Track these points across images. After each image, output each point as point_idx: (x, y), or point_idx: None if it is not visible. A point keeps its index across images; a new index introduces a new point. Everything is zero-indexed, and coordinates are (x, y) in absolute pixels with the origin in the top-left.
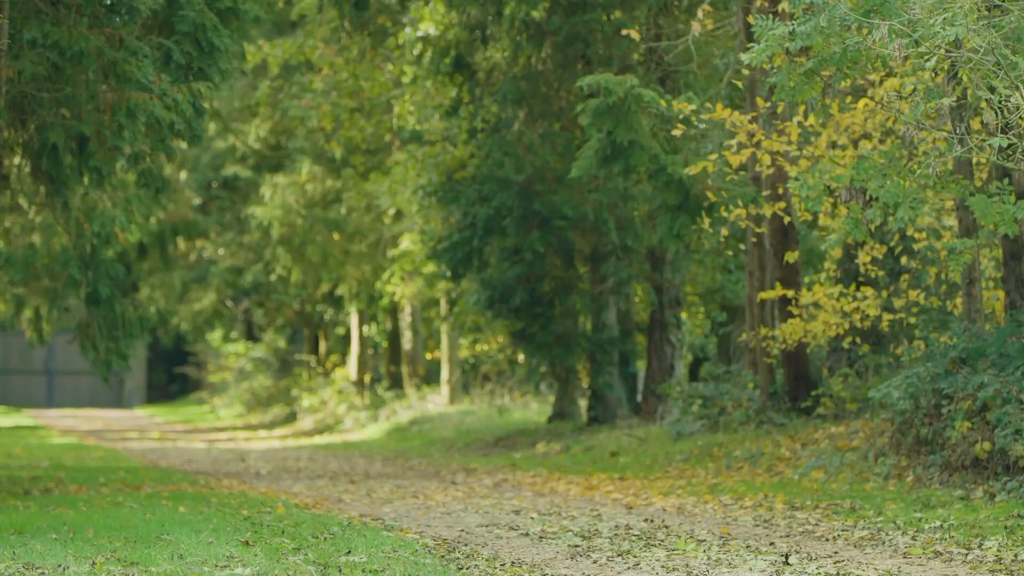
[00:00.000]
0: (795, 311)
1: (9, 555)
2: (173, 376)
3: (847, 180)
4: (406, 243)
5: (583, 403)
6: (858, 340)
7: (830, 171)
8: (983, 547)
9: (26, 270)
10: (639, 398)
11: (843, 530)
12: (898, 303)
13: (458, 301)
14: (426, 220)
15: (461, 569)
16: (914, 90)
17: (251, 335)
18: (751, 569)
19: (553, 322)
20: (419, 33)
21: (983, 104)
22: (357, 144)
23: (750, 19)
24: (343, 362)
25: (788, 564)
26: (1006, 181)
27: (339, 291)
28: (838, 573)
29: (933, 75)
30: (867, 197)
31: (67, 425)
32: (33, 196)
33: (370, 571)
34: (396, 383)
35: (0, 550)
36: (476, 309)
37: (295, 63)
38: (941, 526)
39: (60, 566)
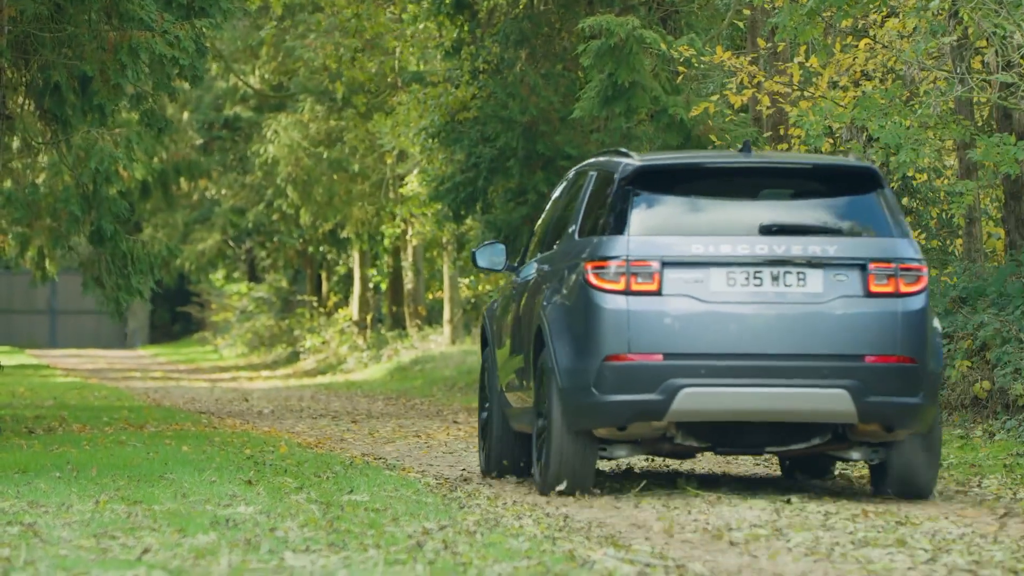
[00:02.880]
0: None
1: (13, 493)
2: (176, 316)
3: (848, 119)
4: (411, 184)
5: None
6: None
7: (831, 110)
8: (982, 486)
9: (29, 209)
10: None
11: (843, 470)
12: None
13: (466, 243)
14: (429, 161)
15: (463, 508)
16: (915, 29)
17: (253, 275)
18: (751, 508)
19: None
20: None
21: (984, 43)
22: (361, 84)
23: None
24: (345, 302)
25: (789, 503)
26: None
27: (343, 232)
28: (838, 511)
29: (935, 15)
30: (867, 137)
31: (70, 365)
32: (36, 135)
33: (372, 510)
34: (398, 323)
35: (4, 488)
36: None
37: (300, 2)
38: (941, 465)
39: (64, 504)
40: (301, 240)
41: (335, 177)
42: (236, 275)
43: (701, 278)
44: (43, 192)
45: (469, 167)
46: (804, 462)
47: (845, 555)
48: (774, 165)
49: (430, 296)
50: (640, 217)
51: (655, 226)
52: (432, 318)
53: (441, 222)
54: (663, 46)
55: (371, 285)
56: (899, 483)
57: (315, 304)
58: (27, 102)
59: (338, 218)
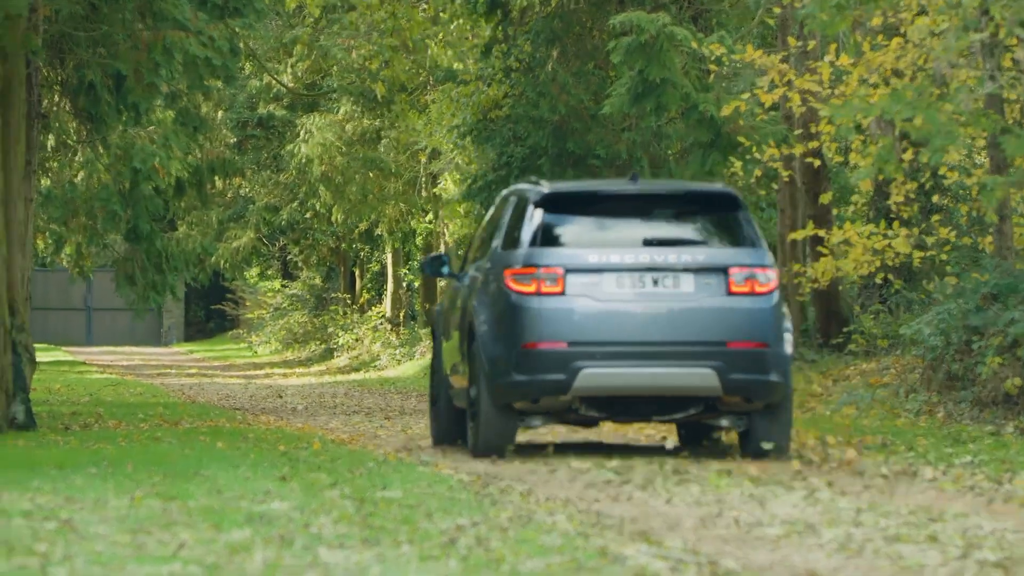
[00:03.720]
0: (825, 251)
1: (50, 488)
2: (210, 313)
3: (877, 111)
4: (444, 183)
5: None
6: (890, 277)
7: (861, 105)
8: (1013, 481)
9: (65, 207)
10: None
11: (874, 465)
12: (930, 240)
13: None
14: (464, 160)
15: (496, 504)
16: (946, 27)
17: (287, 273)
18: (783, 504)
19: None
20: None
21: (1015, 41)
22: (401, 83)
23: None
24: (378, 300)
25: (818, 499)
26: None
27: (376, 229)
28: (869, 508)
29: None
30: (899, 134)
31: (106, 362)
32: (71, 134)
33: (406, 506)
34: (431, 320)
35: (41, 484)
36: None
37: (334, 2)
38: (972, 461)
39: (100, 500)
40: (334, 238)
41: (369, 175)
42: (270, 272)
43: (596, 282)
44: (80, 190)
45: (501, 166)
46: (696, 430)
47: (877, 551)
48: (654, 192)
49: None
50: (547, 233)
51: (559, 240)
52: None
53: (474, 220)
54: (694, 44)
55: (404, 283)
56: (760, 445)
57: (348, 301)
58: (62, 101)
59: (372, 216)
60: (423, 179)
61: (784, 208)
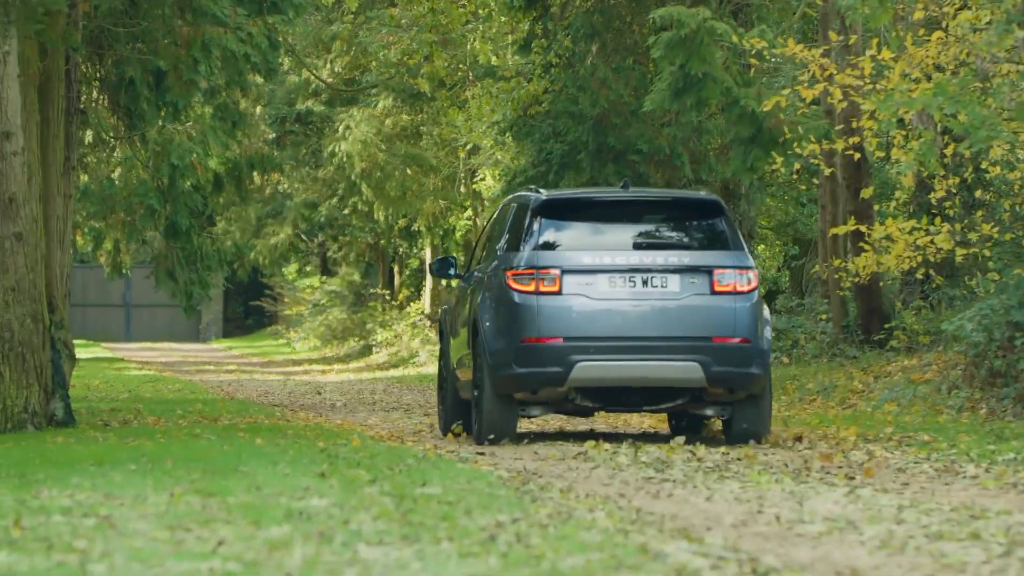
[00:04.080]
0: (866, 247)
1: (89, 485)
2: (249, 310)
3: (919, 105)
4: (484, 178)
5: None
6: (931, 273)
7: (903, 99)
8: None
9: (104, 203)
10: None
11: (916, 462)
12: (972, 236)
13: None
14: (504, 155)
15: (535, 501)
16: (989, 22)
17: (326, 269)
18: (824, 501)
19: None
20: None
21: None
22: (442, 79)
23: None
24: (417, 296)
25: (859, 496)
26: None
27: (415, 225)
28: (911, 504)
29: (1012, 6)
30: (941, 129)
31: (145, 358)
32: (111, 130)
33: (445, 503)
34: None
35: (80, 480)
36: None
37: None
38: (1015, 458)
39: (139, 496)
40: (373, 234)
41: (408, 171)
42: (308, 269)
43: (591, 281)
44: (118, 187)
45: (540, 161)
46: (685, 420)
47: (919, 548)
48: (644, 198)
49: None
50: (545, 237)
51: (556, 243)
52: None
53: None
54: (734, 38)
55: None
56: (742, 432)
57: (387, 298)
58: (101, 97)
59: (411, 213)
60: (462, 175)
61: (825, 204)
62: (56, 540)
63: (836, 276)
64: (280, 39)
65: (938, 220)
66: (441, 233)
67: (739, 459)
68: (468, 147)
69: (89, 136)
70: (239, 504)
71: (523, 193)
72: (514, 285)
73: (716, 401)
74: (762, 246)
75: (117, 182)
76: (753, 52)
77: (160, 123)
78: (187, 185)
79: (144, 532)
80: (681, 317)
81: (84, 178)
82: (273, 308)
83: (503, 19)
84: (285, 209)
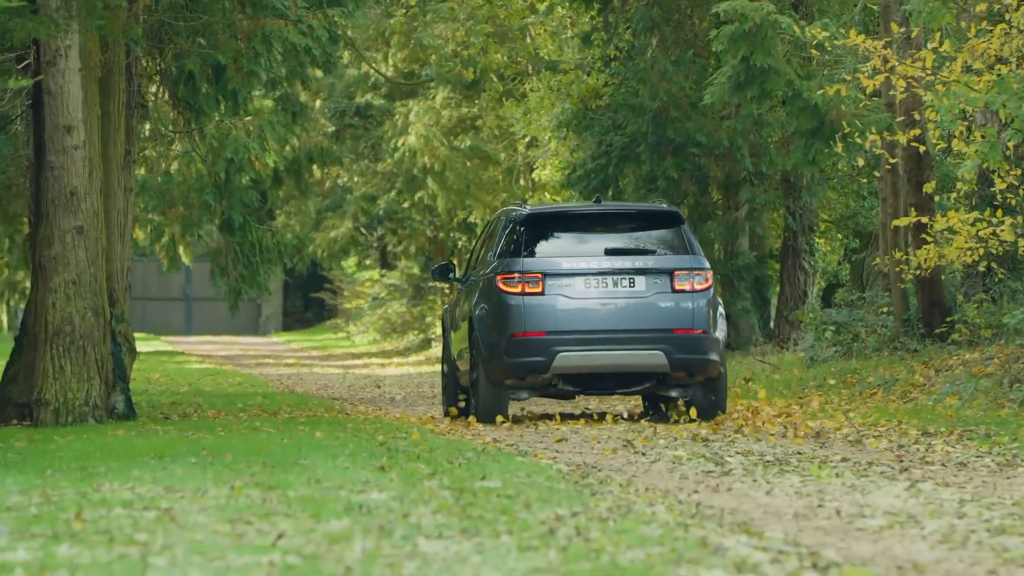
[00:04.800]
0: (928, 238)
1: (150, 479)
2: (309, 303)
3: (982, 103)
4: (542, 170)
5: None
6: (994, 265)
7: (965, 94)
8: None
9: (163, 197)
10: (772, 324)
11: (977, 456)
12: None
13: None
14: (562, 148)
15: (595, 494)
16: None
17: (385, 262)
18: (885, 495)
19: None
20: None
21: None
22: (495, 70)
23: None
24: None
25: (921, 490)
26: None
27: (472, 218)
28: (972, 499)
29: None
30: (1003, 121)
31: (205, 351)
32: (170, 124)
33: (505, 496)
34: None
35: (141, 474)
36: None
37: None
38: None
39: (199, 489)
40: (432, 227)
41: (468, 164)
42: (368, 262)
43: (569, 283)
44: (176, 181)
45: (600, 154)
46: (655, 401)
47: (981, 543)
48: (614, 211)
49: None
50: (530, 246)
51: (539, 251)
52: None
53: None
54: (796, 30)
55: None
56: (702, 410)
57: (447, 291)
58: (161, 91)
59: (473, 205)
60: (520, 167)
61: (886, 196)
62: (117, 533)
63: (897, 269)
64: (340, 32)
65: (1000, 212)
66: None
67: (799, 453)
68: (527, 140)
69: (148, 130)
70: (299, 497)
71: (511, 208)
72: (504, 287)
73: (678, 384)
74: (823, 239)
75: (176, 176)
76: (814, 44)
77: (219, 117)
78: (244, 180)
79: (204, 525)
80: (647, 312)
81: (143, 172)
82: (332, 302)
83: (563, 12)
84: (344, 202)
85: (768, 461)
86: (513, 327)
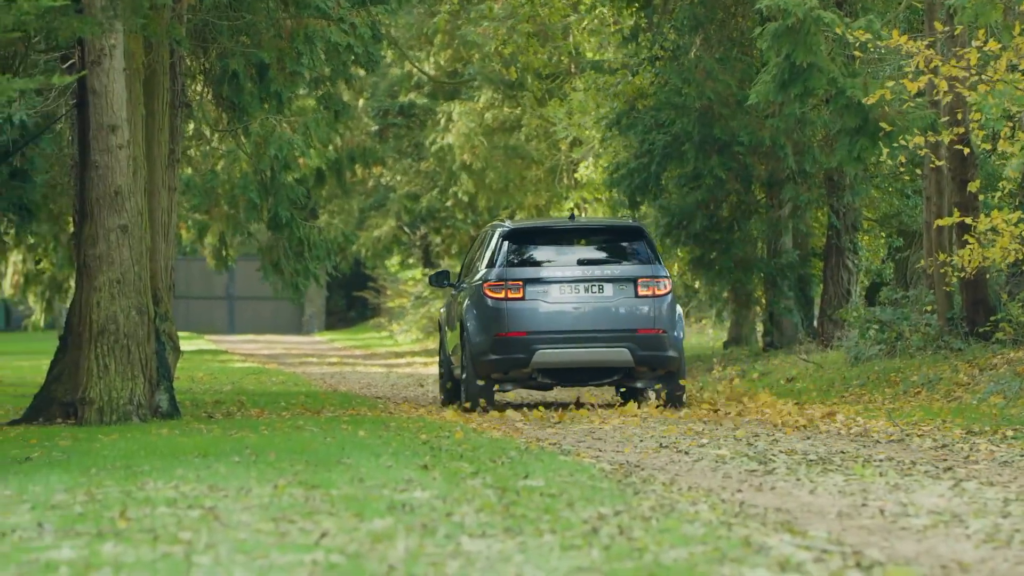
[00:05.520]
0: (971, 239)
1: (194, 477)
2: (352, 302)
3: None
4: (586, 169)
5: (759, 328)
6: None
7: (1010, 94)
8: None
9: (208, 196)
10: (815, 323)
11: (1021, 455)
12: None
13: None
14: (608, 148)
15: (638, 493)
16: None
17: (428, 261)
18: (929, 494)
19: (732, 248)
20: None
21: None
22: (535, 69)
23: None
24: None
25: (965, 489)
26: None
27: (516, 217)
28: (1016, 498)
29: None
30: None
31: (248, 350)
32: (214, 123)
33: (548, 495)
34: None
35: (185, 472)
36: (656, 236)
37: None
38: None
39: (243, 488)
40: (475, 226)
41: (512, 163)
42: (411, 261)
43: (546, 289)
44: (221, 179)
45: (643, 153)
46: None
47: None
48: (586, 226)
49: None
50: (512, 256)
51: (520, 261)
52: None
53: (616, 208)
54: (839, 29)
55: None
56: (670, 398)
57: None
58: (205, 90)
59: (513, 205)
60: (563, 167)
61: (930, 196)
62: (161, 531)
63: (941, 271)
64: (383, 31)
65: None
66: None
67: (843, 452)
68: (570, 140)
69: (192, 129)
70: (342, 496)
71: (496, 223)
72: (489, 293)
73: (642, 377)
74: (866, 238)
75: (220, 175)
76: (858, 44)
77: (263, 116)
78: (289, 178)
79: (248, 524)
80: (614, 315)
81: (188, 171)
82: (375, 300)
83: (605, 10)
84: (388, 201)
85: (812, 460)
86: (498, 328)
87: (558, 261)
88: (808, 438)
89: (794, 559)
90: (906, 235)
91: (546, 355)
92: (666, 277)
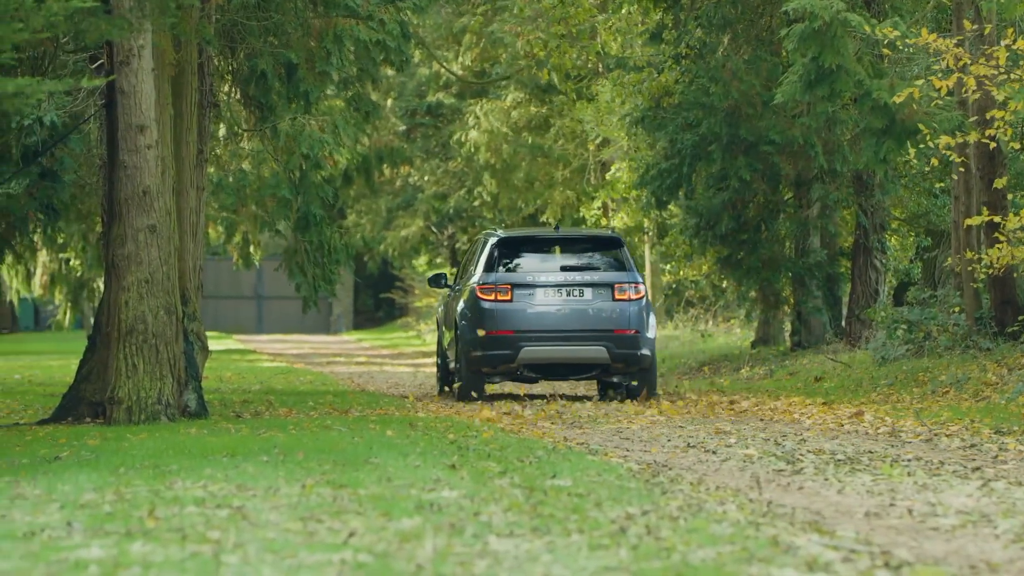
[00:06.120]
0: (1000, 238)
1: (222, 476)
2: (379, 302)
3: None
4: (616, 170)
5: (787, 328)
6: None
7: None
8: None
9: (235, 196)
10: (843, 323)
11: None
12: None
13: (669, 231)
14: (636, 149)
15: (665, 493)
16: None
17: (456, 260)
18: (957, 494)
19: (760, 247)
20: None
21: None
22: (567, 71)
23: None
24: None
25: (993, 489)
26: None
27: (544, 216)
28: None
29: None
30: None
31: (276, 350)
32: (243, 123)
33: (575, 495)
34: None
35: (213, 472)
36: (684, 237)
37: None
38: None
39: (271, 488)
40: (503, 225)
41: (538, 161)
42: (438, 260)
43: (532, 293)
44: (249, 179)
45: (672, 153)
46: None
47: None
48: (568, 236)
49: None
50: (501, 262)
51: (509, 267)
52: None
53: (644, 209)
54: (867, 29)
55: None
56: (638, 390)
57: None
58: (233, 90)
59: (538, 203)
60: (591, 166)
61: (958, 195)
62: (190, 531)
63: (970, 269)
64: (411, 30)
65: None
66: (571, 224)
67: (871, 452)
68: (598, 140)
69: (223, 129)
70: (370, 496)
71: (488, 232)
72: (481, 295)
73: (618, 372)
74: (895, 237)
75: (248, 174)
76: (886, 43)
77: (291, 116)
78: (318, 177)
79: (276, 523)
80: (592, 316)
81: (217, 171)
82: (403, 300)
83: (633, 9)
84: (415, 201)
85: (839, 460)
86: (488, 327)
87: (543, 267)
88: (836, 437)
89: (822, 559)
90: (934, 234)
91: (531, 352)
92: (640, 283)
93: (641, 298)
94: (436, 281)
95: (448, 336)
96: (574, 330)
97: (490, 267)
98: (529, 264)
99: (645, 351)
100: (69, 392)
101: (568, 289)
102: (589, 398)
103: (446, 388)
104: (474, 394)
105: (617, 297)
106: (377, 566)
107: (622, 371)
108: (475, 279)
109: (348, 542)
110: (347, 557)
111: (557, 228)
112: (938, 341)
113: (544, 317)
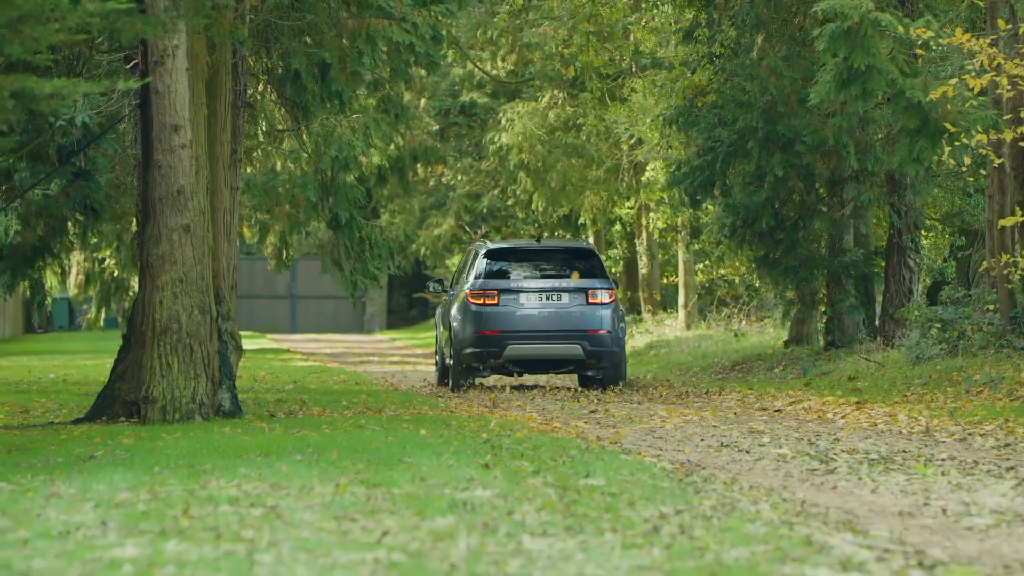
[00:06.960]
0: None
1: (256, 476)
2: (413, 301)
3: None
4: (651, 170)
5: (820, 328)
6: None
7: None
8: None
9: (269, 196)
10: (876, 322)
11: None
12: None
13: (703, 230)
14: (667, 147)
15: (699, 492)
16: None
17: None
18: (992, 493)
19: (797, 247)
20: None
21: None
22: (596, 68)
23: None
24: None
25: None
26: None
27: (576, 217)
28: None
29: None
30: None
31: (310, 349)
32: (277, 123)
33: (608, 494)
34: (633, 308)
35: (247, 471)
36: (720, 235)
37: None
38: None
39: (305, 487)
40: (536, 225)
41: (572, 162)
42: None
43: (516, 297)
44: (282, 179)
45: (706, 151)
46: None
47: None
48: (549, 247)
49: (664, 281)
50: (489, 270)
51: (496, 274)
52: (666, 302)
53: (677, 207)
54: (900, 28)
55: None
56: (608, 381)
57: None
58: (268, 90)
59: (572, 204)
60: (625, 167)
61: (993, 194)
62: (224, 530)
63: (1004, 270)
64: (443, 32)
65: None
66: (606, 223)
67: (905, 451)
68: (632, 140)
69: (260, 129)
70: (404, 495)
71: (478, 242)
72: (472, 300)
73: (592, 367)
74: (929, 237)
75: (281, 175)
76: (920, 43)
77: (325, 116)
78: (349, 178)
79: (310, 522)
80: (569, 318)
81: (249, 170)
82: (436, 300)
83: (667, 8)
84: (448, 200)
85: (873, 459)
86: (478, 327)
87: (527, 275)
88: (869, 437)
89: (856, 558)
90: (968, 234)
91: (516, 349)
92: (612, 289)
93: (612, 302)
94: (434, 286)
95: (444, 335)
96: (553, 330)
97: (480, 274)
98: (514, 272)
99: (615, 348)
100: (104, 391)
101: (548, 294)
102: (569, 388)
103: (441, 380)
104: (465, 385)
105: (591, 301)
106: (411, 565)
107: (595, 366)
108: (467, 285)
109: (382, 541)
110: (381, 556)
111: (539, 240)
112: (972, 340)
113: (527, 319)
